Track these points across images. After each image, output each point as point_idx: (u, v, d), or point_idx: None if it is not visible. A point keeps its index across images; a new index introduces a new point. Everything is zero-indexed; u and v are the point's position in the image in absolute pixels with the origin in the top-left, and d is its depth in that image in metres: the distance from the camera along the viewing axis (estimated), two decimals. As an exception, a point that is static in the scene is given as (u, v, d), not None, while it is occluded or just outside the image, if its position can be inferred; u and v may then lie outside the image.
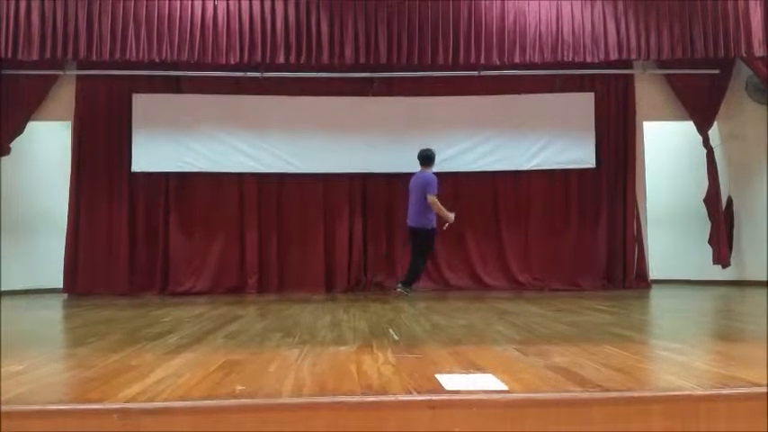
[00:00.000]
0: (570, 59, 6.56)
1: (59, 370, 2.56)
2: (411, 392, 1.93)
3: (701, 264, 7.30)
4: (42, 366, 2.52)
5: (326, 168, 7.30)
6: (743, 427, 1.85)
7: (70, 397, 2.07)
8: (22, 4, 6.03)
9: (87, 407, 1.82)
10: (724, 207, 7.35)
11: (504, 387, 1.99)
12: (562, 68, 7.20)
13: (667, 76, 7.48)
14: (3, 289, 6.62)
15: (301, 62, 6.43)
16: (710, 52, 6.51)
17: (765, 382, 2.02)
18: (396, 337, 3.27)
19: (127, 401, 1.84)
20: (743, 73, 7.31)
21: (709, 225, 7.30)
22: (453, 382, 2.07)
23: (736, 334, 3.64)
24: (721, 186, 7.32)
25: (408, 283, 6.52)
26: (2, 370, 2.34)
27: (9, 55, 6.03)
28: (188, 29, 6.25)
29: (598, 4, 6.58)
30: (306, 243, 7.34)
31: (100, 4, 6.14)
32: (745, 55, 6.61)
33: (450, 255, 7.35)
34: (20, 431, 1.71)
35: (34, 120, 7.07)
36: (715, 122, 7.40)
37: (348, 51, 6.41)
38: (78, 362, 2.67)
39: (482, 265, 7.37)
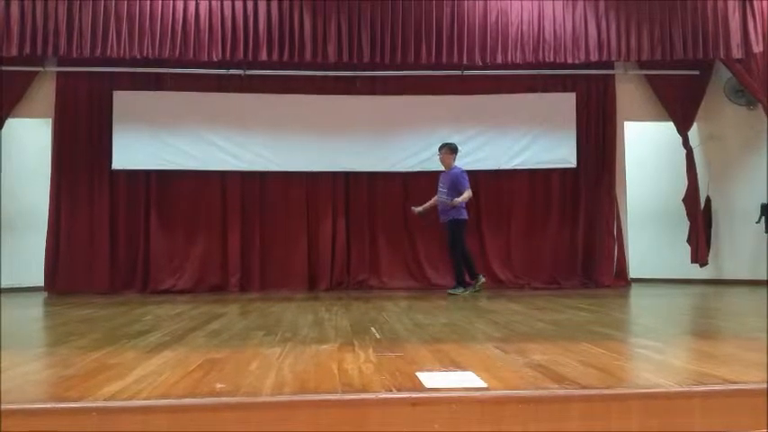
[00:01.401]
0: (551, 60, 6.63)
1: (38, 368, 2.53)
2: (391, 390, 1.94)
3: (679, 262, 7.41)
4: (21, 365, 2.49)
5: (309, 167, 7.29)
6: (718, 423, 1.88)
7: (49, 396, 2.06)
8: (1, 0, 5.95)
9: (66, 405, 1.80)
10: (702, 207, 7.45)
11: (483, 384, 2.01)
12: (544, 69, 7.26)
13: (648, 76, 7.57)
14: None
15: (284, 60, 6.43)
16: (690, 54, 6.62)
17: (740, 378, 2.06)
18: (377, 336, 3.27)
19: (106, 400, 1.83)
20: (722, 74, 7.41)
21: (687, 224, 7.40)
22: (433, 379, 2.08)
23: (713, 332, 3.69)
24: (700, 186, 7.43)
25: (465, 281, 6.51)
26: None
27: (-13, 51, 5.95)
28: (170, 25, 6.20)
29: (579, 6, 6.64)
30: (289, 241, 7.33)
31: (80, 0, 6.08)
32: (723, 57, 6.71)
33: (433, 253, 7.38)
34: (-3, 430, 1.70)
35: (14, 117, 6.98)
36: (694, 123, 7.51)
37: (331, 49, 6.41)
38: (58, 360, 2.64)
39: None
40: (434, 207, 6.57)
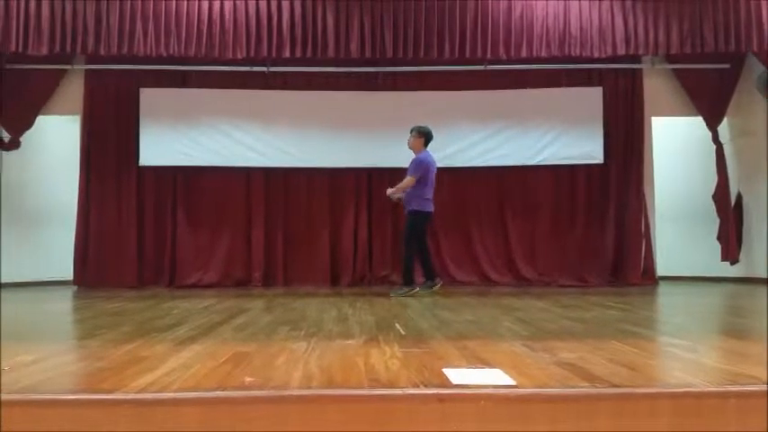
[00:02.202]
0: (577, 54, 6.51)
1: (71, 360, 2.58)
2: (418, 386, 1.94)
3: (709, 260, 7.26)
4: (54, 357, 2.54)
5: (332, 163, 7.31)
6: (753, 425, 1.84)
7: (83, 387, 2.10)
8: (32, 0, 6.06)
9: (100, 397, 1.84)
10: (733, 203, 7.31)
11: (511, 382, 2.00)
12: (569, 63, 7.17)
13: (676, 70, 7.43)
14: (14, 281, 6.68)
15: (307, 56, 6.43)
16: (721, 47, 6.43)
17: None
18: (402, 332, 3.27)
19: (139, 392, 1.86)
20: (754, 68, 7.23)
21: (717, 221, 7.27)
22: (461, 376, 2.08)
23: (745, 331, 3.63)
24: (731, 182, 7.27)
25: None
26: (14, 361, 2.36)
27: (19, 50, 6.04)
28: (195, 24, 6.26)
29: (606, -1, 6.53)
30: (311, 237, 7.37)
31: (108, -1, 6.17)
32: (756, 50, 6.54)
33: (457, 250, 7.35)
34: (32, 420, 1.73)
35: (43, 114, 7.12)
36: (725, 118, 7.36)
37: (354, 46, 6.40)
38: (90, 353, 2.70)
39: (488, 260, 7.36)
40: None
